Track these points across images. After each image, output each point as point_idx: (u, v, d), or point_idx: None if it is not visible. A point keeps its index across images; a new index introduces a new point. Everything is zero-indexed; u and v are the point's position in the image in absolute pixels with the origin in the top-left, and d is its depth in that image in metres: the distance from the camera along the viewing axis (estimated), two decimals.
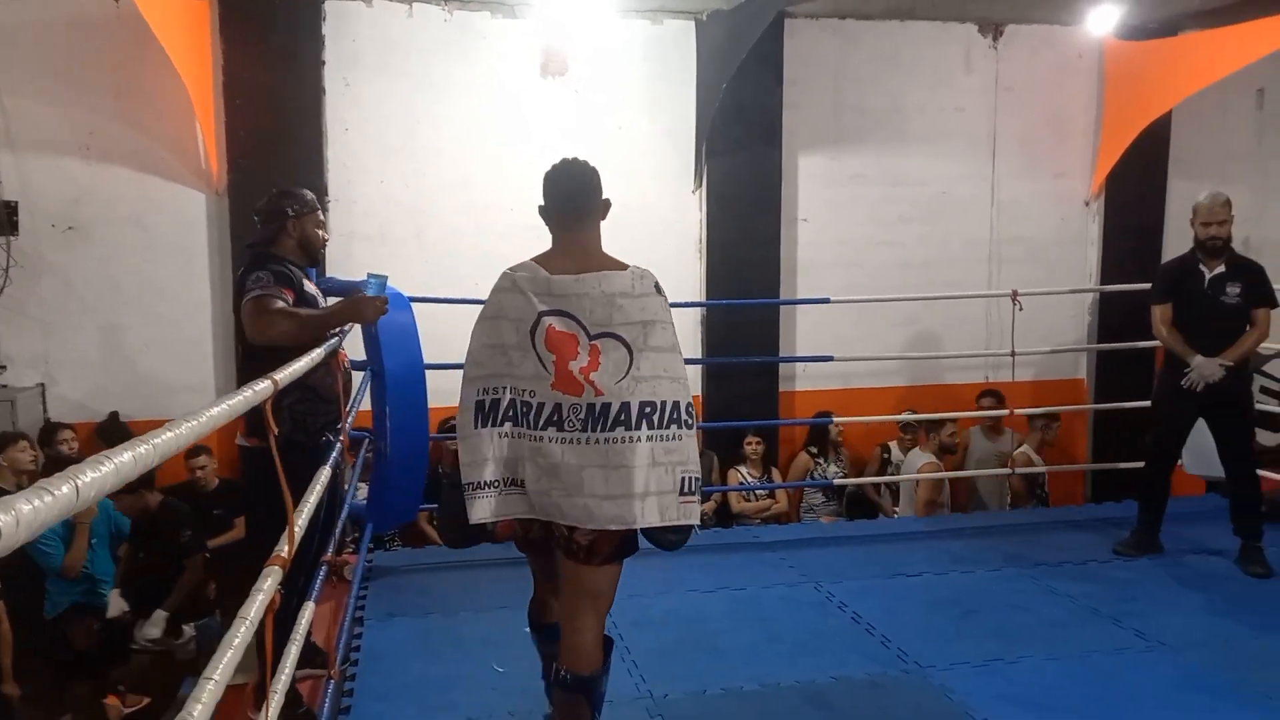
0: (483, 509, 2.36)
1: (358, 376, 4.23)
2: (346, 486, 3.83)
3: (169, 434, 1.08)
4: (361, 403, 4.19)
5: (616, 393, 2.30)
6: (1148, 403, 4.92)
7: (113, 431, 5.66)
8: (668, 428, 2.32)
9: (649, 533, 2.37)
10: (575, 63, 6.34)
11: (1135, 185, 7.19)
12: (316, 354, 2.69)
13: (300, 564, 2.73)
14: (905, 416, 6.40)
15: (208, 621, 5.11)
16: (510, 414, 2.36)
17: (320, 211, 3.33)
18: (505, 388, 2.37)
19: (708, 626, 3.81)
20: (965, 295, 6.79)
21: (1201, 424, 4.53)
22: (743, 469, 6.24)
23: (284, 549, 1.79)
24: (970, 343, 7.03)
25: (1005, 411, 6.14)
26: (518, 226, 5.73)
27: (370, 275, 3.23)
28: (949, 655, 3.50)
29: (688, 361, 2.52)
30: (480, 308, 2.48)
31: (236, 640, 1.39)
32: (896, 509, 6.40)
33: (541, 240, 2.60)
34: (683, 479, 2.34)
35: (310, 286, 3.24)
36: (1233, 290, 4.35)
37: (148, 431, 1.07)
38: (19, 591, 4.69)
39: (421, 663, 3.49)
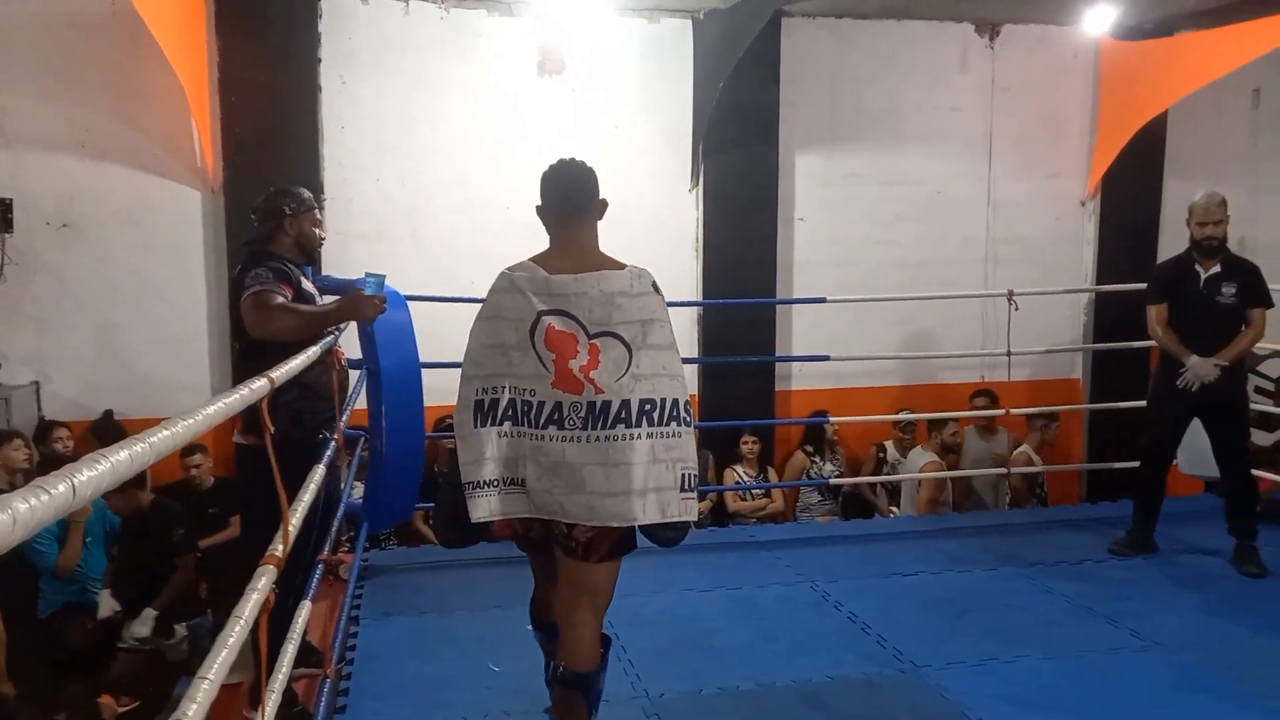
0: (483, 508, 2.36)
1: (354, 375, 4.22)
2: (342, 485, 3.82)
3: (165, 432, 1.07)
4: (357, 401, 4.18)
5: (617, 390, 2.32)
6: (1143, 403, 4.93)
7: (107, 430, 5.64)
8: (667, 425, 2.35)
9: (647, 529, 2.39)
10: (572, 61, 6.34)
11: (1131, 185, 7.20)
12: (313, 351, 2.69)
13: (297, 563, 2.73)
14: (901, 416, 6.41)
15: (200, 621, 5.08)
16: (510, 413, 2.37)
17: (317, 210, 3.32)
18: (504, 387, 2.37)
19: (704, 626, 3.81)
20: (961, 295, 6.81)
21: (1197, 424, 4.54)
22: (739, 468, 6.24)
23: (278, 547, 1.78)
24: (966, 342, 7.04)
25: (1000, 411, 6.15)
26: (514, 225, 5.74)
27: (368, 274, 3.23)
28: (945, 655, 3.50)
29: (684, 361, 2.54)
30: (477, 307, 2.49)
31: (231, 639, 1.38)
32: (894, 509, 6.41)
33: (538, 239, 2.60)
34: (683, 475, 2.36)
35: (307, 284, 3.24)
36: (1228, 290, 4.36)
37: (142, 430, 1.06)
38: (13, 590, 4.66)
39: (417, 662, 3.49)
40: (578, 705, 2.47)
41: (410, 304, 4.19)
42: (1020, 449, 6.31)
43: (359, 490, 4.78)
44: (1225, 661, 3.45)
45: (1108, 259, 7.24)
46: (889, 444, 6.55)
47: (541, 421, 2.34)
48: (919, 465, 6.06)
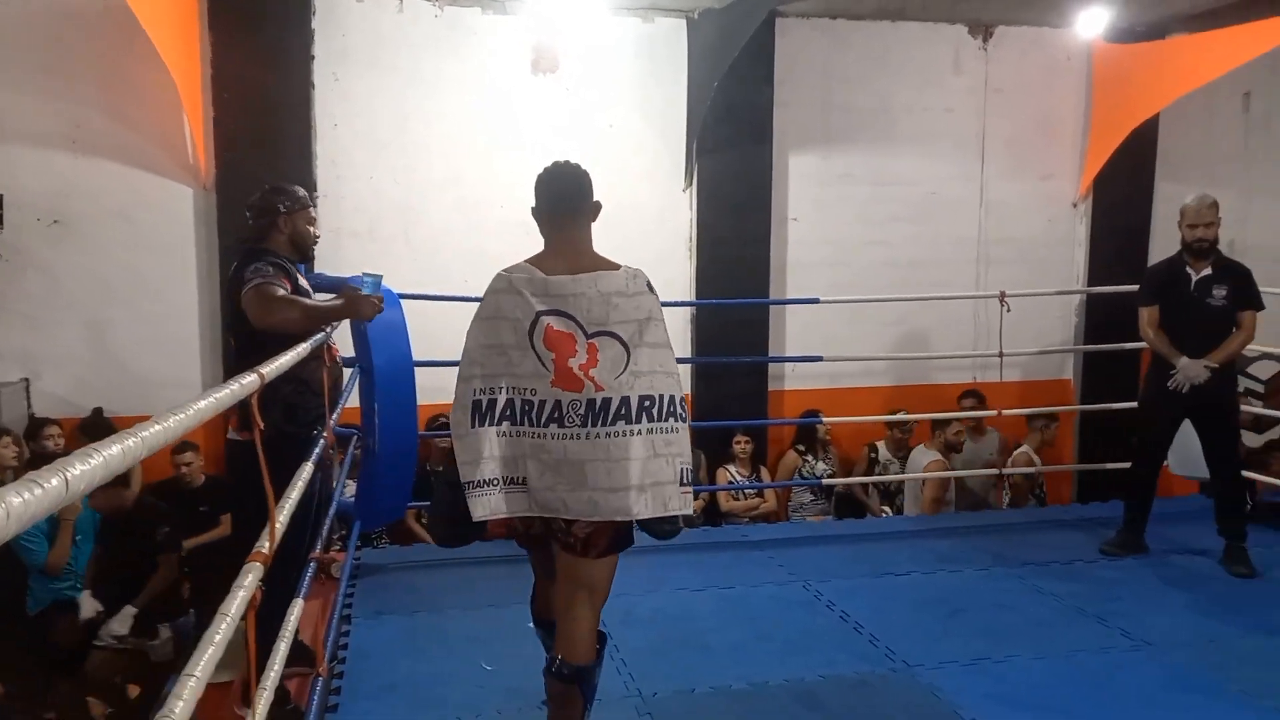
0: (484, 506, 2.38)
1: (347, 372, 4.21)
2: (335, 483, 3.81)
3: (157, 426, 1.07)
4: (350, 399, 4.17)
5: (616, 388, 2.36)
6: (1134, 404, 4.96)
7: (96, 428, 5.61)
8: (665, 420, 2.39)
9: (645, 523, 2.42)
10: (566, 60, 6.33)
11: (1123, 187, 7.22)
12: (303, 348, 2.69)
13: (289, 560, 2.72)
14: (893, 416, 6.42)
15: (184, 621, 5.03)
16: (509, 413, 2.40)
17: (312, 208, 3.32)
18: (503, 387, 2.40)
19: (696, 625, 3.81)
20: (954, 296, 6.82)
21: (1188, 425, 4.56)
22: (731, 468, 6.24)
23: (265, 544, 1.78)
24: (958, 343, 7.06)
25: (993, 412, 6.16)
26: (508, 224, 5.74)
27: (365, 274, 3.25)
28: (937, 654, 3.52)
29: (678, 361, 2.57)
30: (471, 306, 2.51)
31: (218, 637, 1.38)
32: (886, 509, 6.42)
33: (532, 238, 2.62)
34: (680, 470, 2.41)
35: (303, 282, 3.24)
36: (1219, 292, 4.38)
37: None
38: (1, 588, 4.65)
39: (409, 661, 3.48)
40: (573, 699, 2.48)
41: (403, 302, 4.19)
42: (1021, 449, 6.33)
43: (351, 489, 4.77)
44: (1215, 661, 3.46)
45: (1099, 260, 7.26)
46: (881, 444, 6.56)
47: (542, 420, 2.37)
48: (923, 464, 6.08)
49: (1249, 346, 4.56)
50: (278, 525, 1.90)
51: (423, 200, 6.21)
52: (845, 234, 6.94)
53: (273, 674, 1.97)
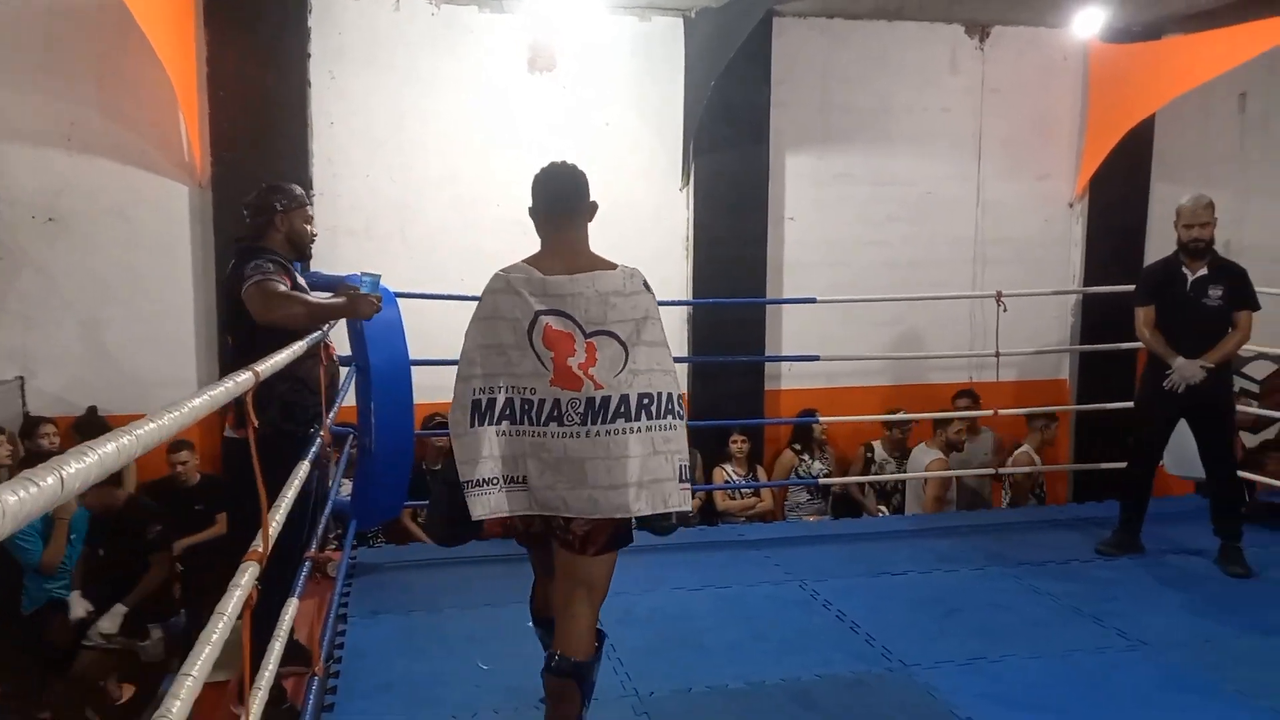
0: (484, 505, 2.39)
1: (344, 371, 4.20)
2: (331, 482, 3.81)
3: (152, 425, 1.06)
4: (346, 398, 4.17)
5: (616, 386, 2.38)
6: (1129, 404, 4.96)
7: (91, 426, 5.58)
8: (664, 418, 2.42)
9: (645, 520, 2.44)
10: (563, 58, 6.32)
11: (1119, 187, 7.23)
12: (299, 346, 2.69)
13: (285, 559, 2.72)
14: (889, 416, 6.43)
15: (174, 621, 4.99)
16: (508, 412, 2.41)
17: (309, 207, 3.31)
18: (502, 387, 2.41)
19: (693, 624, 3.81)
20: (950, 296, 6.83)
21: (1184, 425, 4.57)
22: (728, 467, 6.24)
23: (259, 544, 1.77)
24: (955, 343, 7.06)
25: (989, 411, 6.17)
26: (504, 222, 5.74)
27: (364, 274, 3.25)
28: (933, 654, 3.52)
29: (675, 360, 2.59)
30: (468, 304, 2.51)
31: (215, 636, 1.37)
32: (883, 508, 6.43)
33: (528, 236, 2.62)
34: (680, 467, 2.43)
35: (300, 280, 3.23)
36: (1215, 293, 4.39)
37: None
38: None
39: (406, 660, 3.48)
40: (571, 695, 2.49)
41: (400, 301, 4.19)
42: (1021, 449, 6.34)
43: (347, 487, 4.77)
44: (1211, 661, 3.47)
45: (1095, 260, 7.27)
46: (877, 444, 6.56)
47: (542, 419, 2.38)
48: (924, 463, 6.10)
49: (1244, 346, 4.57)
50: (273, 524, 1.89)
51: (419, 198, 6.20)
52: (842, 234, 6.95)
53: (268, 673, 1.97)
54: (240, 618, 1.53)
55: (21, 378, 5.69)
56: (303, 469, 2.44)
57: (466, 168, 6.22)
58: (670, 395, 2.44)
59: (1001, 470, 6.25)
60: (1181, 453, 4.74)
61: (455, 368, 2.49)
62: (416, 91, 6.15)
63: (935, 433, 6.29)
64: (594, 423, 2.35)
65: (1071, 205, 7.39)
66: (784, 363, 6.82)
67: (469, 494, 2.38)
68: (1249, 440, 6.05)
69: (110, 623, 4.61)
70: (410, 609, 3.97)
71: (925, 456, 6.13)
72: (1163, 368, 4.43)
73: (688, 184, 6.58)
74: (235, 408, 2.59)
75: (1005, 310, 5.50)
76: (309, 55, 5.92)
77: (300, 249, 3.27)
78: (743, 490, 6.21)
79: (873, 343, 6.90)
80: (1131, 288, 4.75)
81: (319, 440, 3.04)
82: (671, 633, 3.71)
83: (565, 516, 2.40)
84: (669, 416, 2.42)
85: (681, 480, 2.43)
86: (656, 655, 3.48)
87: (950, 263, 7.14)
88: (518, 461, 2.41)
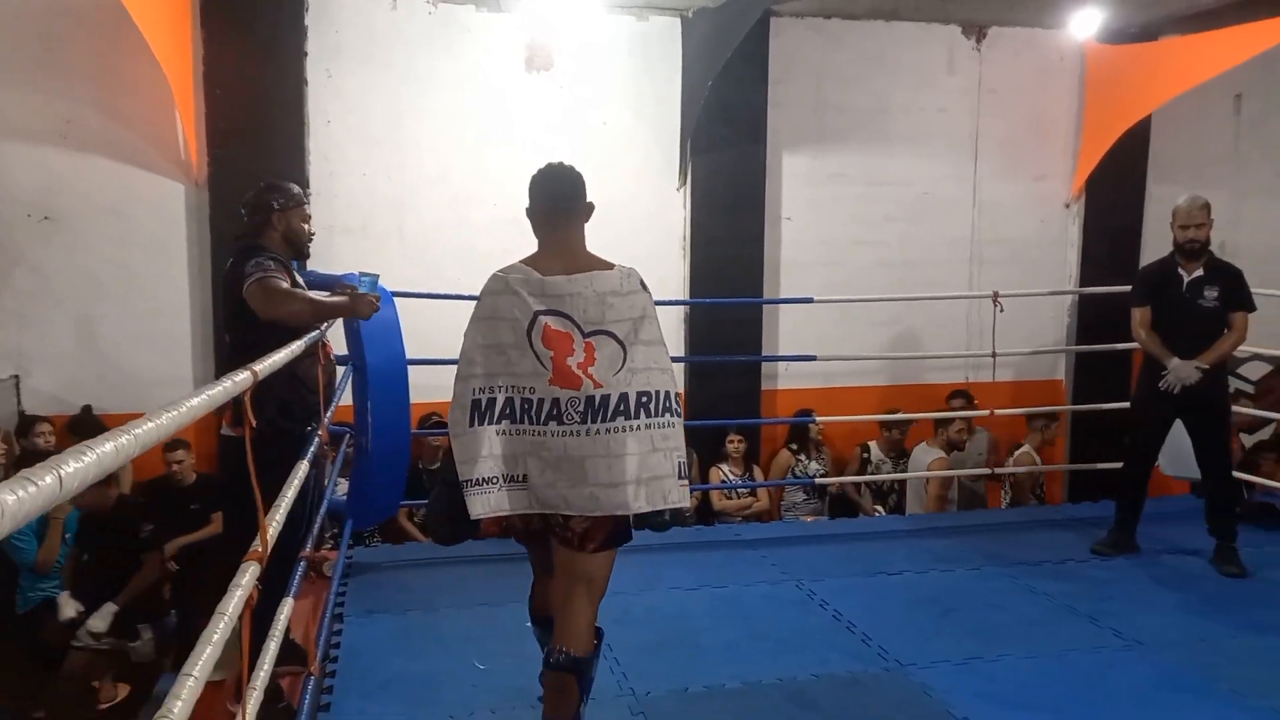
0: (483, 505, 2.40)
1: (340, 370, 4.20)
2: (327, 481, 3.80)
3: (150, 424, 1.06)
4: (343, 397, 4.16)
5: (615, 385, 2.40)
6: (1125, 404, 4.97)
7: (85, 425, 5.57)
8: (662, 415, 2.45)
9: (642, 516, 2.45)
10: (560, 58, 6.32)
11: (1115, 188, 7.25)
12: (297, 345, 2.69)
13: (281, 558, 2.71)
14: (885, 416, 6.43)
15: (165, 621, 4.94)
16: (508, 411, 2.43)
17: (306, 206, 3.31)
18: (501, 386, 2.43)
19: (690, 624, 3.81)
20: (947, 296, 6.84)
21: (1179, 425, 4.58)
22: (724, 467, 6.24)
23: (259, 544, 1.77)
24: (951, 343, 7.07)
25: (985, 411, 6.18)
26: (501, 221, 5.74)
27: (362, 274, 3.26)
28: (929, 653, 3.52)
29: (671, 359, 2.61)
30: (463, 303, 2.51)
31: (216, 636, 1.37)
32: (879, 508, 6.43)
33: (524, 235, 2.64)
34: (678, 463, 2.46)
35: (299, 279, 3.23)
36: (1210, 294, 4.40)
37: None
38: None
39: (402, 660, 3.47)
40: (570, 689, 2.49)
41: (396, 300, 4.18)
42: (1022, 449, 6.35)
43: (343, 487, 4.76)
44: (1206, 661, 3.47)
45: (1091, 261, 7.29)
46: (873, 444, 6.57)
47: (542, 418, 2.40)
48: (926, 462, 6.11)
49: (1240, 347, 4.58)
50: (273, 524, 1.89)
51: (416, 197, 6.19)
52: (839, 234, 6.95)
53: (263, 672, 1.96)
54: (240, 618, 1.53)
55: (16, 376, 5.68)
56: (302, 469, 2.44)
57: (463, 166, 6.21)
58: (668, 393, 2.47)
59: (998, 470, 6.26)
60: (1177, 453, 4.75)
61: (451, 367, 2.49)
62: (414, 90, 6.14)
63: (936, 432, 6.31)
64: (594, 421, 2.37)
65: (1068, 206, 7.40)
66: (781, 362, 6.82)
67: (467, 493, 2.39)
68: (1245, 441, 6.06)
69: (100, 621, 4.57)
70: (407, 608, 3.97)
71: (927, 456, 6.15)
72: (1158, 368, 4.44)
73: (685, 183, 6.58)
74: (233, 406, 2.59)
75: (1002, 310, 5.51)
76: (306, 53, 5.92)
77: (298, 247, 3.27)
78: (739, 490, 6.21)
79: (869, 343, 6.91)
80: (1127, 288, 4.76)
81: (317, 439, 3.03)
82: (668, 632, 3.71)
83: (564, 514, 2.42)
84: (667, 414, 2.45)
85: (680, 477, 2.45)
86: (653, 655, 3.48)
87: (947, 263, 7.15)
88: (518, 460, 2.42)
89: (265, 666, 1.99)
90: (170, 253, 5.86)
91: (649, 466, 2.40)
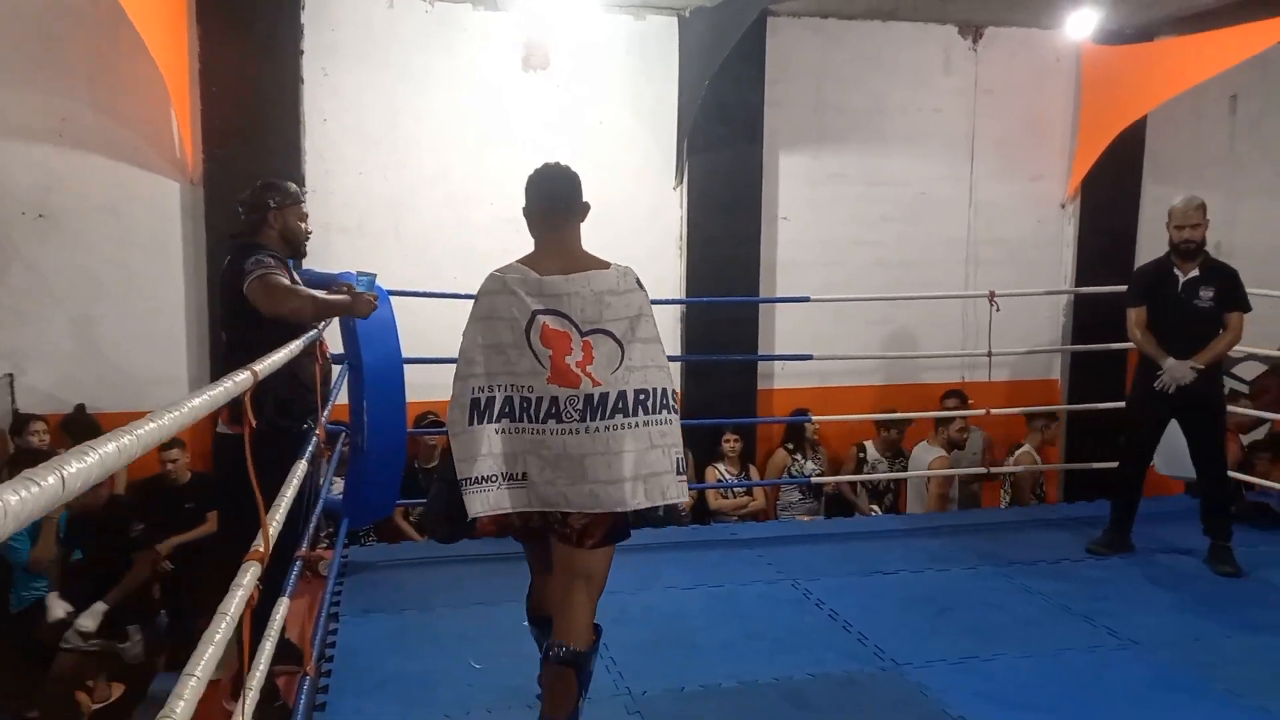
0: (482, 502, 2.42)
1: (336, 369, 4.19)
2: (322, 480, 3.80)
3: (151, 424, 1.06)
4: (338, 396, 4.15)
5: (613, 383, 2.42)
6: (1120, 404, 4.98)
7: (79, 424, 5.56)
8: (659, 412, 2.47)
9: (639, 513, 2.46)
10: (557, 57, 6.31)
11: (1110, 189, 7.26)
12: (296, 345, 2.69)
13: (277, 558, 2.71)
14: (882, 415, 6.44)
15: (156, 621, 4.91)
16: (507, 410, 2.44)
17: (303, 204, 3.31)
18: (500, 385, 2.45)
19: (686, 623, 3.81)
20: (944, 295, 6.85)
21: (1174, 425, 4.59)
22: (720, 466, 6.24)
23: (260, 544, 1.77)
24: (947, 343, 7.08)
25: (981, 411, 6.19)
26: (498, 220, 5.73)
27: (359, 273, 3.27)
28: (925, 653, 3.52)
29: (668, 358, 2.63)
30: (460, 302, 2.52)
31: (217, 636, 1.37)
32: (875, 508, 6.44)
33: (521, 234, 2.65)
34: (676, 459, 2.48)
35: (296, 277, 3.23)
36: (1206, 294, 4.41)
37: (118, 424, 1.05)
38: None
39: (398, 659, 3.47)
40: (569, 684, 2.49)
41: (392, 299, 4.18)
42: (1023, 449, 6.37)
43: (339, 486, 4.75)
44: (1201, 660, 3.48)
45: (1087, 261, 7.30)
46: (869, 444, 6.57)
47: (541, 416, 2.41)
48: (927, 461, 6.12)
49: (1235, 347, 4.59)
50: (273, 524, 1.88)
51: (412, 196, 6.18)
52: (835, 233, 6.96)
53: (259, 672, 1.96)
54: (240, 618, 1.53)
55: (11, 375, 5.66)
56: (300, 468, 2.43)
57: (460, 166, 6.21)
58: (665, 390, 2.49)
59: (993, 469, 6.28)
60: (1172, 453, 4.76)
61: (447, 366, 2.50)
62: (410, 89, 6.13)
63: (938, 431, 6.33)
64: (593, 419, 2.39)
65: (1063, 206, 7.42)
66: (777, 362, 6.83)
67: (465, 491, 2.40)
68: (1243, 440, 6.07)
69: (89, 620, 4.52)
70: (402, 608, 3.96)
71: (928, 454, 6.16)
72: (1154, 368, 4.45)
73: (682, 183, 6.58)
74: (230, 404, 2.59)
75: (998, 310, 5.52)
76: (302, 51, 5.91)
77: (294, 246, 3.27)
78: (735, 489, 6.21)
79: (866, 342, 6.91)
80: (1123, 288, 4.77)
81: (314, 438, 3.03)
82: (664, 632, 3.71)
83: (564, 511, 2.43)
84: (664, 411, 2.47)
85: (678, 473, 2.48)
86: (649, 654, 3.48)
87: (943, 263, 7.16)
88: (517, 459, 2.44)
89: (262, 666, 1.99)
90: (166, 251, 5.84)
91: (647, 463, 2.41)
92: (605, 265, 2.53)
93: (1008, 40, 7.15)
